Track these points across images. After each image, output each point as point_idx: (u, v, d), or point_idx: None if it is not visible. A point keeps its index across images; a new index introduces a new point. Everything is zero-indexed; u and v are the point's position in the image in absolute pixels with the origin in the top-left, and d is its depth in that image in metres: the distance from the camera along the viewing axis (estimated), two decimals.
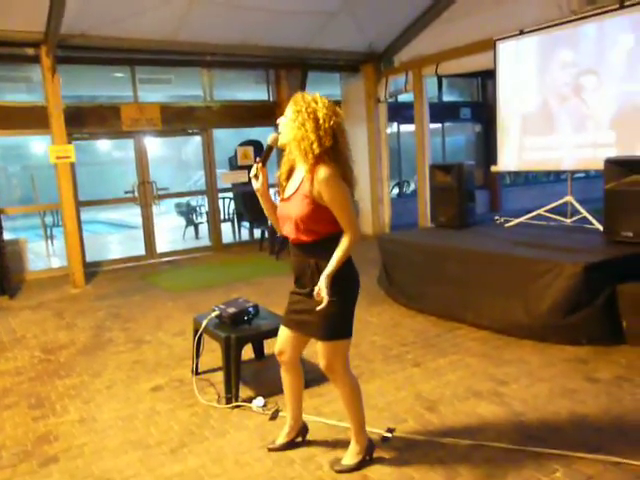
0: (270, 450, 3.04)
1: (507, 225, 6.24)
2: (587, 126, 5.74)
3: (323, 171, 2.49)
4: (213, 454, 3.06)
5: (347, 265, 2.61)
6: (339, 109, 2.60)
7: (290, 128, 2.55)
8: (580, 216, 5.82)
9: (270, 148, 2.70)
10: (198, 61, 8.88)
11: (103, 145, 17.77)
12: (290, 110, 2.57)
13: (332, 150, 2.51)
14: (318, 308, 2.50)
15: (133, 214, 12.89)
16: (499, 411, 3.32)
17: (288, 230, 2.65)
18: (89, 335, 5.38)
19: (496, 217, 6.74)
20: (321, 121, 2.49)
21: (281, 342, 2.89)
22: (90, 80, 9.50)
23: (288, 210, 2.62)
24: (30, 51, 7.13)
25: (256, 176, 2.71)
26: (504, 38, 6.50)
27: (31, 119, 7.84)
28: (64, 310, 6.38)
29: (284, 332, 2.87)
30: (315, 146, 2.48)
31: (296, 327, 2.78)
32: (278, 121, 2.64)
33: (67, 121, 7.41)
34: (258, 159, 2.72)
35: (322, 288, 2.49)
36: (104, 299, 6.80)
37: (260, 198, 2.77)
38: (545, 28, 6.01)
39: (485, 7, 7.41)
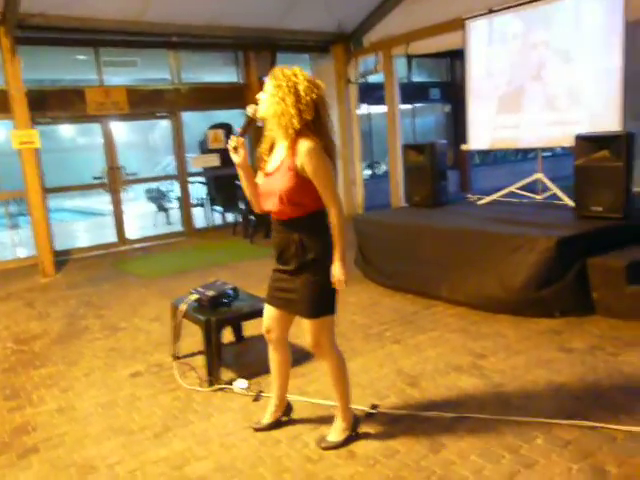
0: (256, 430, 3.04)
1: (480, 203, 6.32)
2: (557, 103, 5.82)
3: (305, 144, 2.48)
4: (198, 437, 3.05)
5: (329, 242, 2.61)
6: (320, 82, 2.58)
7: (270, 103, 2.52)
8: (550, 193, 5.92)
9: (250, 120, 2.65)
10: (164, 42, 8.69)
11: (67, 131, 17.31)
12: (270, 85, 2.54)
13: (313, 123, 2.50)
14: (339, 288, 2.61)
15: (100, 201, 12.65)
16: (479, 383, 3.39)
17: (271, 205, 2.62)
18: (63, 324, 5.28)
19: (469, 195, 6.82)
20: (302, 94, 2.47)
21: (268, 320, 2.87)
22: (51, 63, 9.22)
23: (271, 185, 2.60)
24: None
25: (235, 149, 2.65)
26: (473, 17, 6.52)
27: None
28: (35, 300, 6.24)
29: (269, 310, 2.86)
30: (295, 121, 2.46)
31: (282, 305, 2.77)
32: (258, 96, 2.60)
33: (29, 105, 7.17)
34: (238, 128, 2.68)
35: (339, 276, 2.57)
36: (76, 287, 6.66)
37: (240, 171, 2.71)
38: (515, 6, 6.04)
39: None
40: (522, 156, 13.48)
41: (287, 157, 2.54)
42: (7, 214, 11.08)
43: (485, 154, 13.31)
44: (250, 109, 2.63)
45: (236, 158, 2.67)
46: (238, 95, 9.70)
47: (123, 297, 6.08)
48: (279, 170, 2.58)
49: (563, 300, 4.34)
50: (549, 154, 13.03)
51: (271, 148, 2.68)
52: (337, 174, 2.66)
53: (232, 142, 2.65)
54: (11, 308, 5.97)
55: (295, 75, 2.51)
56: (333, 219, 2.56)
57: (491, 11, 6.27)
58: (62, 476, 2.78)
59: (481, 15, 6.41)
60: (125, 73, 10.19)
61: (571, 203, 5.33)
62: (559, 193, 5.77)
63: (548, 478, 2.46)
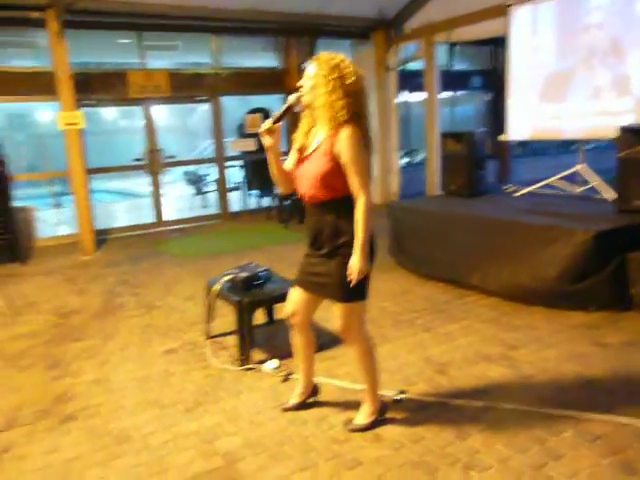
0: (284, 410, 3.10)
1: (517, 194, 6.21)
2: (604, 93, 5.65)
3: (346, 132, 2.50)
4: (228, 413, 3.13)
5: None
6: (362, 71, 2.59)
7: (319, 94, 2.53)
8: (591, 185, 5.78)
9: (289, 107, 2.65)
10: (206, 27, 8.77)
11: (108, 114, 17.69)
12: (317, 73, 2.54)
13: (356, 114, 2.53)
14: (352, 283, 2.58)
15: (139, 183, 12.90)
16: (509, 374, 3.38)
17: (306, 188, 2.65)
18: (101, 300, 5.45)
19: (506, 186, 6.71)
20: (351, 86, 2.50)
21: (293, 304, 2.91)
22: (95, 46, 9.38)
23: (307, 168, 2.63)
24: (36, 15, 7.04)
25: (269, 131, 2.64)
26: (517, 2, 6.37)
27: (37, 85, 7.76)
28: (75, 276, 6.45)
29: (297, 293, 2.89)
30: (344, 111, 2.49)
31: (313, 288, 2.79)
32: (300, 83, 2.62)
33: (75, 87, 7.34)
34: (275, 113, 2.66)
35: (356, 267, 2.55)
36: (114, 266, 6.85)
37: (269, 154, 2.71)
38: None
39: None
40: (564, 148, 13.16)
41: (325, 143, 2.56)
42: (51, 193, 11.45)
43: (525, 145, 13.04)
44: (293, 97, 2.64)
45: (267, 141, 2.67)
46: (277, 80, 9.73)
47: (159, 276, 6.23)
48: (316, 154, 2.61)
49: (599, 294, 4.26)
50: (592, 146, 12.68)
51: (308, 133, 2.70)
52: (371, 166, 2.65)
53: (266, 125, 2.64)
54: (53, 283, 6.19)
55: (343, 65, 2.52)
56: (360, 207, 2.54)
57: None
58: (99, 443, 2.91)
59: (525, 0, 6.26)
60: (167, 57, 10.34)
61: (612, 196, 5.20)
62: (600, 185, 5.62)
63: (576, 471, 2.44)
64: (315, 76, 2.55)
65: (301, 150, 2.71)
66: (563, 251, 4.31)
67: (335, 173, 2.55)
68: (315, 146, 2.63)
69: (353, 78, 2.52)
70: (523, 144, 12.76)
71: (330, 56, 2.56)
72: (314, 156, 2.61)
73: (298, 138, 2.73)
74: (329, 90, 2.49)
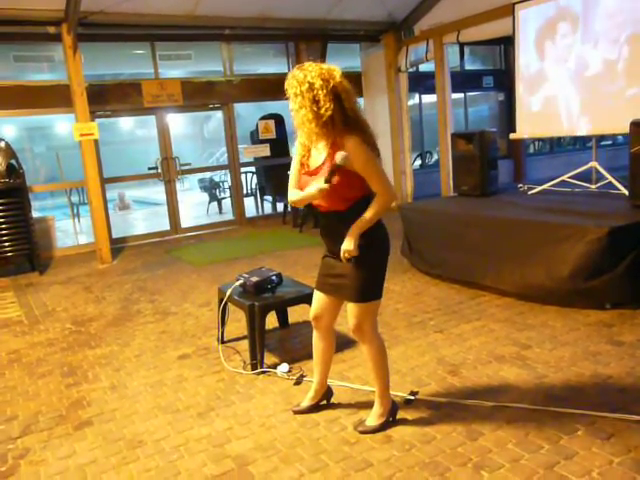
0: (295, 413, 3.11)
1: (530, 193, 6.16)
2: (613, 89, 5.59)
3: (350, 141, 2.50)
4: (240, 417, 3.15)
5: (378, 227, 2.66)
6: (336, 70, 2.52)
7: (295, 114, 2.54)
8: (605, 182, 5.72)
9: (338, 167, 2.51)
10: (217, 35, 8.86)
11: (124, 124, 17.92)
12: (290, 94, 2.53)
13: (343, 116, 2.49)
14: (349, 263, 2.61)
15: (156, 191, 13.05)
16: (522, 373, 3.34)
17: (321, 202, 2.65)
18: (117, 308, 5.52)
19: (519, 185, 6.66)
20: (318, 93, 2.44)
21: (317, 307, 2.92)
22: (111, 58, 9.57)
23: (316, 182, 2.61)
24: (51, 29, 7.19)
25: (321, 190, 2.55)
26: (524, 1, 6.33)
27: (54, 98, 7.94)
28: (92, 284, 6.54)
29: (319, 297, 2.90)
30: (314, 125, 2.47)
31: (331, 291, 2.81)
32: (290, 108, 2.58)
33: (89, 99, 7.48)
34: (325, 178, 2.52)
35: (348, 249, 2.56)
36: (131, 273, 6.94)
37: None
38: None
39: None
40: (580, 145, 13.01)
41: (329, 157, 2.55)
42: (69, 203, 11.61)
43: (541, 143, 12.93)
44: (340, 158, 2.48)
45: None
46: None
47: (175, 283, 6.30)
48: (322, 169, 2.59)
49: (615, 292, 4.20)
50: (609, 142, 12.54)
51: (309, 150, 2.69)
52: (381, 162, 2.65)
53: (318, 190, 2.55)
54: (71, 292, 6.28)
55: (307, 74, 2.47)
56: (377, 203, 2.56)
57: None
58: (113, 448, 2.94)
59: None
60: (180, 66, 10.48)
61: (627, 192, 5.13)
62: (614, 182, 5.56)
63: (588, 470, 2.41)
64: (291, 97, 2.54)
65: (305, 163, 2.70)
66: (577, 249, 4.26)
67: (345, 185, 2.54)
68: (319, 161, 2.62)
69: (320, 82, 2.44)
70: (539, 142, 12.66)
71: (294, 72, 2.53)
72: (322, 172, 2.58)
73: (302, 159, 2.71)
74: (299, 106, 2.48)
